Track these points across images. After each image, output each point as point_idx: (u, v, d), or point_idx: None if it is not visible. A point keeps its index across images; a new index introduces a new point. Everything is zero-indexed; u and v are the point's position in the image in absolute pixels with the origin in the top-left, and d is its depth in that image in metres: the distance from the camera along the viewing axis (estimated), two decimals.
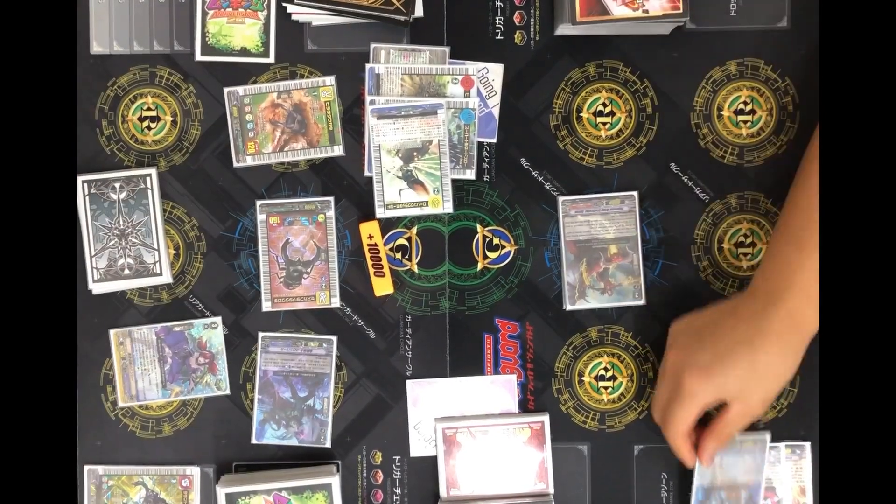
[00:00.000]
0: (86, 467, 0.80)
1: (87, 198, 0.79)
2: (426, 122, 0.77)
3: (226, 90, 0.80)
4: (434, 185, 0.78)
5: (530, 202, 0.80)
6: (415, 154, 0.78)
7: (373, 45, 0.79)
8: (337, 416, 0.80)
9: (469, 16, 0.80)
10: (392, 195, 0.79)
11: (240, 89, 0.80)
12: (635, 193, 0.80)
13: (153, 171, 0.79)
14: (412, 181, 0.79)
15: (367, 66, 0.79)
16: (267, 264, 0.80)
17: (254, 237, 0.80)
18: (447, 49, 0.79)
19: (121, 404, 0.80)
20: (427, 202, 0.79)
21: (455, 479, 0.80)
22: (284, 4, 0.78)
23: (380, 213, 0.79)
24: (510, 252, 0.81)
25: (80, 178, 0.79)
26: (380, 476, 0.81)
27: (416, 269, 0.81)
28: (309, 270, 0.80)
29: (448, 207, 0.79)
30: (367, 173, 0.80)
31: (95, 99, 0.80)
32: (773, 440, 0.79)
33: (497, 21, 0.80)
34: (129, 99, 0.80)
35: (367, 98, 0.79)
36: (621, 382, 0.81)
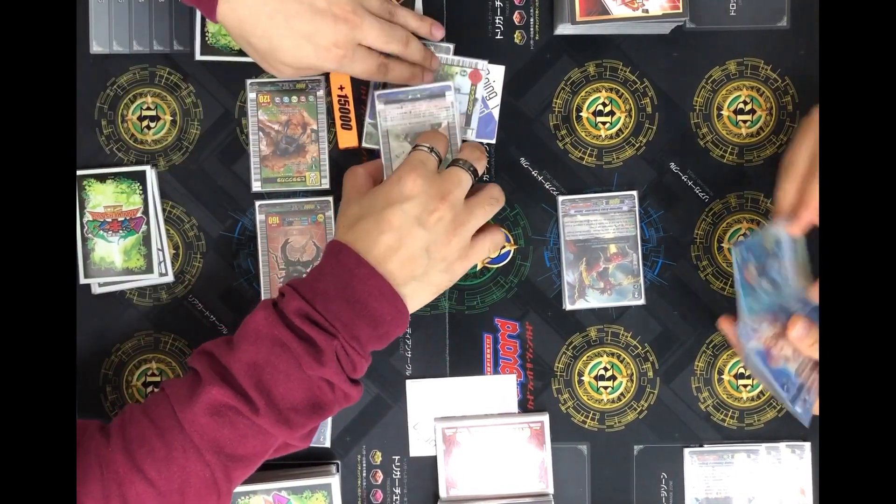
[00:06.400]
0: None
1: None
2: (434, 105, 0.76)
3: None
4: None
5: (530, 202, 0.80)
6: None
7: None
8: (336, 416, 0.80)
9: (469, 15, 0.80)
10: None
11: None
12: (635, 193, 0.80)
13: (149, 169, 0.79)
14: None
15: None
16: (267, 264, 0.79)
17: (253, 237, 0.80)
18: (451, 46, 0.79)
19: None
20: None
21: (454, 478, 0.80)
22: None
23: None
24: (510, 251, 0.80)
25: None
26: (379, 476, 0.81)
27: None
28: (309, 271, 0.80)
29: None
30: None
31: (95, 99, 0.80)
32: (773, 440, 0.80)
33: (497, 21, 0.80)
34: (128, 98, 0.80)
35: (372, 84, 0.79)
36: (621, 382, 0.81)
